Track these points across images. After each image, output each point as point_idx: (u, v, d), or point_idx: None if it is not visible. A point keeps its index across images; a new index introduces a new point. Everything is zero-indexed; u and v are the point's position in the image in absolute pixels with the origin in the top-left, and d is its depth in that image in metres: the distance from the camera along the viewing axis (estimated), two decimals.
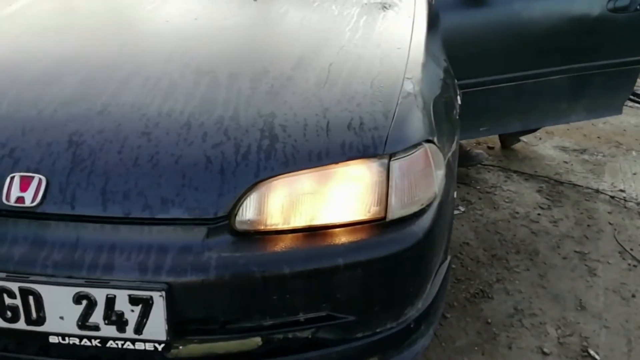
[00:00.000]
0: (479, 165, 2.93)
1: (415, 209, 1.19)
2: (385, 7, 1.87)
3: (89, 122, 1.16)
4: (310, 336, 1.17)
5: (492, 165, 2.99)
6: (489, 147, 3.23)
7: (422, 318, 1.28)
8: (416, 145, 1.20)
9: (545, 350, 1.69)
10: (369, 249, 1.12)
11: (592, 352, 1.69)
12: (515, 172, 2.94)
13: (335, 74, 1.35)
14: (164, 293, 1.01)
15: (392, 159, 1.15)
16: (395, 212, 1.15)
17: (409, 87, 1.34)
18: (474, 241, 2.27)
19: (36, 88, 1.26)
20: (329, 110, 1.22)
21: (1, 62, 1.40)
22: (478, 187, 2.75)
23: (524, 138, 3.29)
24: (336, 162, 1.13)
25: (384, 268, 1.14)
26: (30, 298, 1.02)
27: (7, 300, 1.03)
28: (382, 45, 1.55)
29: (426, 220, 1.20)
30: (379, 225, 1.15)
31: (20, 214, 1.07)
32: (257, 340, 1.14)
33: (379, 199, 1.14)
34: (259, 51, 1.48)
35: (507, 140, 3.22)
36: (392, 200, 1.15)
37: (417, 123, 1.26)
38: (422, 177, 1.21)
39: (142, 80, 1.28)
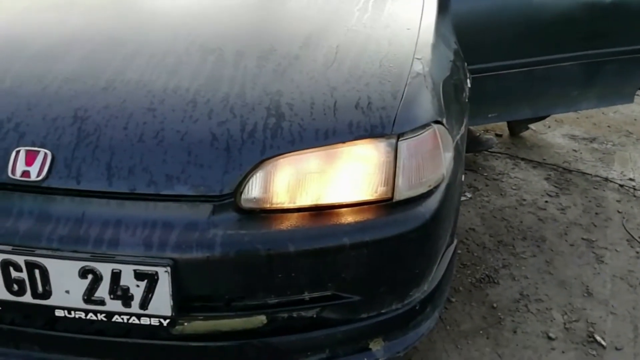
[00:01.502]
0: (486, 152, 2.90)
1: (422, 190, 1.18)
2: None
3: (94, 97, 1.16)
4: (315, 315, 1.17)
5: (500, 153, 2.97)
6: (497, 135, 3.20)
7: (428, 300, 1.28)
8: (425, 126, 1.19)
9: (550, 335, 1.69)
10: (375, 229, 1.11)
11: (598, 338, 1.68)
12: (523, 159, 2.91)
13: (343, 53, 1.33)
14: (169, 269, 1.00)
15: (400, 139, 1.14)
16: (402, 193, 1.14)
17: (418, 67, 1.32)
18: (480, 227, 2.25)
19: (40, 64, 1.26)
20: (336, 89, 1.20)
21: (4, 38, 1.39)
22: (485, 174, 2.73)
23: (532, 126, 3.25)
24: (343, 142, 1.12)
25: (390, 249, 1.13)
26: (37, 272, 1.02)
27: (14, 274, 1.03)
28: (391, 26, 1.53)
29: (433, 202, 1.19)
30: (385, 205, 1.14)
31: (26, 188, 1.07)
32: (261, 319, 1.14)
33: (386, 180, 1.13)
34: (265, 30, 1.46)
35: (516, 128, 3.19)
36: (400, 181, 1.13)
37: (426, 104, 1.24)
38: (430, 158, 1.20)
39: (147, 57, 1.27)
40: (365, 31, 1.48)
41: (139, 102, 1.15)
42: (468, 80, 1.71)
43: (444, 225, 1.27)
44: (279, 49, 1.33)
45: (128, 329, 1.11)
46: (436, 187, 1.22)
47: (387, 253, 1.13)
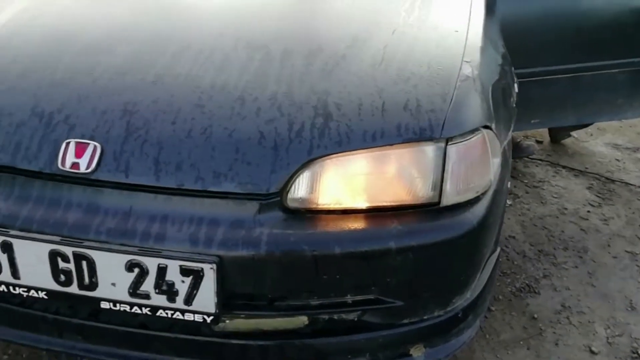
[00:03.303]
0: (527, 159, 2.83)
1: (470, 196, 1.15)
2: None
3: (142, 92, 1.16)
4: (356, 319, 1.15)
5: (540, 160, 2.89)
6: (537, 141, 3.11)
7: (470, 308, 1.25)
8: (474, 131, 1.16)
9: (593, 349, 1.63)
10: (422, 233, 1.08)
11: None
12: (564, 167, 2.83)
13: (390, 54, 1.31)
14: (214, 266, 1.00)
15: (449, 143, 1.11)
16: (449, 198, 1.12)
17: (467, 70, 1.29)
18: (520, 235, 2.20)
19: (90, 56, 1.27)
20: (384, 90, 1.18)
21: (53, 30, 1.41)
22: (525, 181, 2.66)
23: (574, 133, 3.16)
24: (391, 144, 1.10)
25: (435, 254, 1.10)
26: (84, 263, 1.03)
27: (61, 264, 1.04)
28: (439, 28, 1.50)
29: (480, 209, 1.16)
30: (432, 210, 1.12)
31: (75, 179, 1.08)
32: (303, 319, 1.13)
33: (434, 184, 1.11)
34: (312, 28, 1.45)
35: (557, 135, 3.10)
36: (448, 185, 1.11)
37: (475, 108, 1.21)
38: (479, 163, 1.17)
39: (194, 53, 1.27)
40: (412, 32, 1.45)
41: (188, 97, 1.15)
42: (515, 85, 1.67)
43: (490, 232, 1.23)
44: (325, 48, 1.32)
45: (170, 324, 1.11)
46: (483, 194, 1.18)
47: (433, 259, 1.11)
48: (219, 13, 1.52)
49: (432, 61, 1.30)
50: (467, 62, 1.32)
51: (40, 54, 1.29)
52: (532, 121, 2.42)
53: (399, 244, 1.06)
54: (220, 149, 1.07)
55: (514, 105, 1.58)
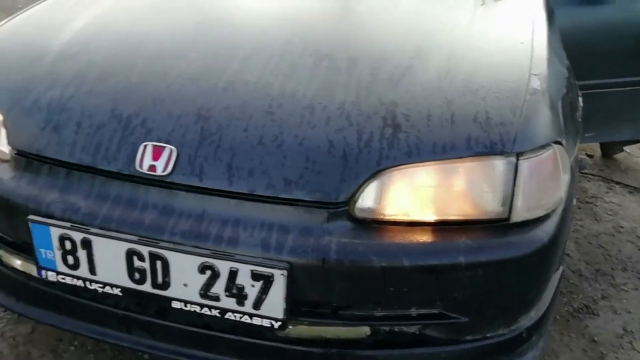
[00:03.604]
0: (578, 173, 2.76)
1: (540, 213, 1.13)
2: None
3: (215, 97, 1.19)
4: (417, 332, 1.15)
5: (592, 174, 2.81)
6: (588, 155, 3.03)
7: (534, 328, 1.22)
8: (545, 146, 1.14)
9: None
10: (491, 249, 1.07)
11: None
12: (617, 183, 2.74)
13: (456, 65, 1.30)
14: (285, 272, 1.02)
15: (521, 158, 1.10)
16: (520, 214, 1.10)
17: (535, 83, 1.27)
18: (575, 253, 2.14)
19: (162, 62, 1.31)
20: (452, 102, 1.18)
21: (126, 36, 1.46)
22: (577, 197, 2.59)
23: (627, 148, 3.06)
24: (461, 157, 1.09)
25: (504, 271, 1.09)
26: (158, 263, 1.06)
27: (137, 263, 1.08)
28: (504, 39, 1.48)
29: (550, 226, 1.14)
30: (501, 226, 1.10)
31: (151, 181, 1.11)
32: (365, 330, 1.14)
33: (504, 199, 1.09)
34: (375, 38, 1.46)
35: (610, 149, 3.01)
36: (519, 201, 1.09)
37: (546, 122, 1.19)
38: (550, 180, 1.15)
39: (263, 60, 1.30)
40: (476, 43, 1.44)
41: (258, 104, 1.17)
42: (580, 98, 1.64)
43: (558, 251, 1.21)
44: (390, 58, 1.33)
45: (234, 326, 1.13)
46: (553, 211, 1.16)
47: (502, 276, 1.10)
48: (284, 21, 1.55)
49: (499, 73, 1.29)
50: (535, 75, 1.30)
51: (115, 59, 1.34)
52: (586, 135, 2.35)
53: (468, 259, 1.05)
54: (290, 156, 1.09)
55: (580, 119, 1.55)
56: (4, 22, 1.59)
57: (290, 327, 1.12)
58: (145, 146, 1.13)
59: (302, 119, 1.14)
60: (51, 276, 1.16)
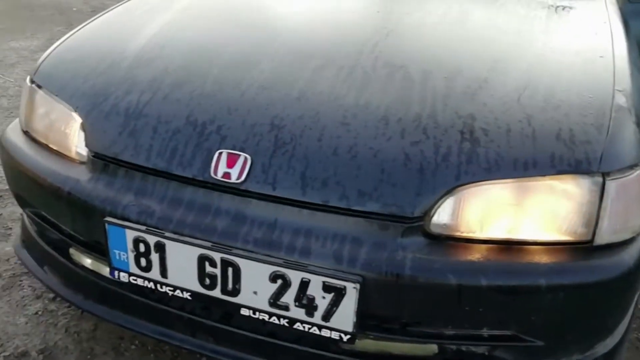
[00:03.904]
0: None
1: (626, 236, 1.08)
2: (572, 10, 1.74)
3: (288, 107, 1.19)
4: (486, 353, 1.11)
5: None
6: None
7: (609, 356, 1.17)
8: (633, 166, 1.08)
9: None
10: (574, 273, 1.03)
11: None
12: None
13: (535, 79, 1.26)
14: (358, 285, 1.00)
15: (607, 178, 1.05)
16: (604, 237, 1.05)
17: (621, 100, 1.22)
18: None
19: (235, 70, 1.32)
20: (533, 117, 1.14)
21: (199, 43, 1.48)
22: None
23: None
24: (543, 175, 1.05)
25: (587, 295, 1.05)
26: (230, 270, 1.07)
27: (208, 268, 1.09)
28: (582, 52, 1.43)
29: (635, 250, 1.08)
30: (583, 248, 1.05)
31: (225, 188, 1.12)
32: (432, 348, 1.11)
33: (588, 220, 1.05)
34: (449, 50, 1.43)
35: None
36: (604, 223, 1.04)
37: (633, 141, 1.14)
38: (637, 201, 1.09)
39: (335, 70, 1.29)
40: (554, 56, 1.40)
41: (332, 114, 1.17)
42: None
43: None
44: (465, 71, 1.30)
45: (299, 336, 1.12)
46: (638, 234, 1.11)
47: (583, 300, 1.05)
48: (353, 30, 1.54)
49: (580, 88, 1.24)
50: (619, 90, 1.25)
51: (189, 66, 1.36)
52: None
53: (549, 281, 1.01)
54: (365, 168, 1.08)
55: None
56: (78, 28, 1.65)
57: (357, 340, 1.10)
58: (220, 153, 1.14)
59: (377, 131, 1.12)
60: (123, 277, 1.19)
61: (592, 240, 1.05)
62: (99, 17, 1.70)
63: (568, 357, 1.12)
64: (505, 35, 1.50)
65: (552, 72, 1.30)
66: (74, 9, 5.43)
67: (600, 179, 1.05)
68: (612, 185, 1.04)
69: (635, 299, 1.25)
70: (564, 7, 1.71)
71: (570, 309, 1.04)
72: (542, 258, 1.03)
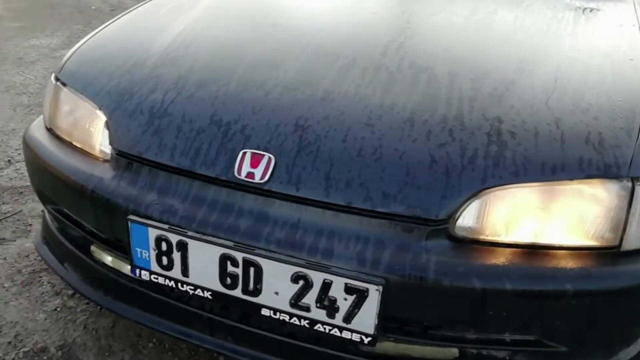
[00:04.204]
0: None
1: None
2: (600, 12, 1.71)
3: (313, 108, 1.18)
4: (507, 358, 1.09)
5: None
6: None
7: None
8: None
9: None
10: (601, 278, 1.01)
11: None
12: None
13: (563, 82, 1.24)
14: (381, 287, 0.99)
15: (637, 183, 1.03)
16: (632, 243, 1.03)
17: None
18: None
19: (260, 70, 1.31)
20: (561, 120, 1.12)
21: (223, 43, 1.47)
22: None
23: None
24: (571, 179, 1.03)
25: (613, 301, 1.03)
26: (252, 270, 1.06)
27: (230, 268, 1.08)
28: (611, 55, 1.40)
29: None
30: (610, 254, 1.03)
31: (248, 188, 1.12)
32: (453, 351, 1.09)
33: (616, 226, 1.03)
34: (475, 51, 1.41)
35: None
36: (632, 229, 1.02)
37: None
38: None
39: (360, 70, 1.28)
40: (582, 58, 1.37)
41: (357, 116, 1.16)
42: None
43: None
44: (492, 72, 1.28)
45: (318, 338, 1.11)
46: None
47: (609, 306, 1.03)
48: (377, 31, 1.53)
49: (610, 91, 1.22)
50: None
51: (214, 65, 1.36)
52: None
53: (576, 287, 0.99)
54: (390, 170, 1.07)
55: None
56: (102, 26, 1.66)
57: (378, 343, 1.09)
58: (244, 153, 1.13)
59: (402, 132, 1.11)
60: (144, 275, 1.19)
61: (619, 246, 1.03)
62: (123, 15, 1.72)
63: None
64: (531, 37, 1.48)
65: (580, 75, 1.28)
66: (93, 7, 5.50)
67: (629, 184, 1.03)
68: None
69: None
70: (591, 9, 1.68)
71: (595, 314, 1.02)
72: (569, 263, 1.01)
